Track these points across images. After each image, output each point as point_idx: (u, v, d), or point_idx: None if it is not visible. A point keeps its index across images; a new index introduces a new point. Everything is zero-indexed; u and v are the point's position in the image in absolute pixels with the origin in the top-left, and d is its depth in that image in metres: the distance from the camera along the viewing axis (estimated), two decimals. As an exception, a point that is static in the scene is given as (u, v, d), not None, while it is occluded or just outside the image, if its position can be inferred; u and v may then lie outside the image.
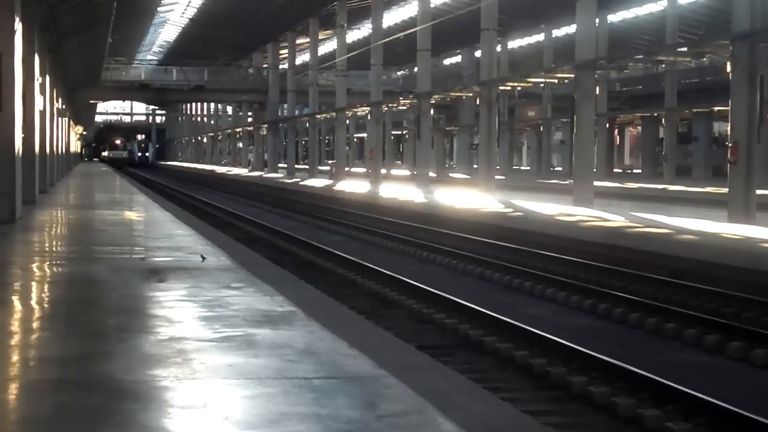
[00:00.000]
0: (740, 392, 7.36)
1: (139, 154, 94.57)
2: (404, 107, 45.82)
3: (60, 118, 37.31)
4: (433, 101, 35.60)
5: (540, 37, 50.95)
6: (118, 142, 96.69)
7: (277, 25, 50.20)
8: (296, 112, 53.86)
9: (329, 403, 4.27)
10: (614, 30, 46.12)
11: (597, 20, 27.97)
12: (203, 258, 10.00)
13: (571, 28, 35.22)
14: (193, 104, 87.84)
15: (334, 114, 43.92)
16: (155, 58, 75.73)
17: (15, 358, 5.39)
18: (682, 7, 41.88)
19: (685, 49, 28.10)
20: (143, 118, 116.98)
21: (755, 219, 17.58)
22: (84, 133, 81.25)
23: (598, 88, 26.74)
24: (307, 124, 50.39)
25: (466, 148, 51.65)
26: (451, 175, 50.87)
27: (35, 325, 6.57)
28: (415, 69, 37.75)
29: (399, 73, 60.79)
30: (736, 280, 11.62)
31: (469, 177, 43.70)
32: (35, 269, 9.54)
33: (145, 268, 9.20)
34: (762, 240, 13.57)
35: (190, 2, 53.11)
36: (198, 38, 61.99)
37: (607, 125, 47.49)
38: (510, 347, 8.45)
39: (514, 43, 53.41)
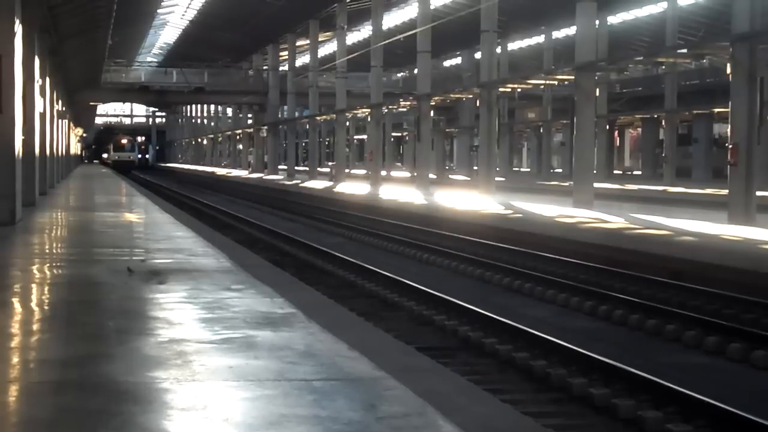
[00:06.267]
0: (740, 394, 7.36)
1: (139, 156, 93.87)
2: (404, 109, 45.84)
3: (60, 120, 37.31)
4: (433, 103, 35.60)
5: (540, 38, 50.97)
6: (124, 141, 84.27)
7: (277, 27, 50.22)
8: (296, 114, 53.88)
9: (329, 404, 4.27)
10: (614, 32, 46.15)
11: (597, 22, 27.99)
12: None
13: (571, 30, 35.23)
14: (193, 106, 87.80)
15: (334, 116, 43.94)
16: (155, 60, 75.77)
17: (15, 360, 5.38)
18: (682, 8, 41.89)
19: (685, 50, 28.10)
20: (143, 120, 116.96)
21: (755, 220, 17.59)
22: (84, 135, 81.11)
23: (598, 89, 26.75)
24: (307, 126, 50.40)
25: (466, 149, 51.68)
26: (451, 176, 50.92)
27: (35, 327, 6.57)
28: (415, 71, 37.77)
29: (399, 75, 60.82)
30: (736, 281, 11.62)
31: (469, 179, 43.72)
32: (35, 271, 9.54)
33: (146, 269, 9.19)
34: (762, 241, 13.57)
35: (190, 4, 53.14)
36: (198, 40, 62.03)
37: (607, 127, 47.50)
38: (510, 349, 8.45)
39: (514, 45, 53.43)
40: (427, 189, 31.78)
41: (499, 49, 37.15)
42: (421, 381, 4.81)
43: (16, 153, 15.25)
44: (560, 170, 56.46)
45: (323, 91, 47.43)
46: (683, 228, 15.79)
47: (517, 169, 68.81)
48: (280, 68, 56.06)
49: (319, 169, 54.17)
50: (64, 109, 40.60)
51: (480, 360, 8.43)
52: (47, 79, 27.00)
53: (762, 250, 12.76)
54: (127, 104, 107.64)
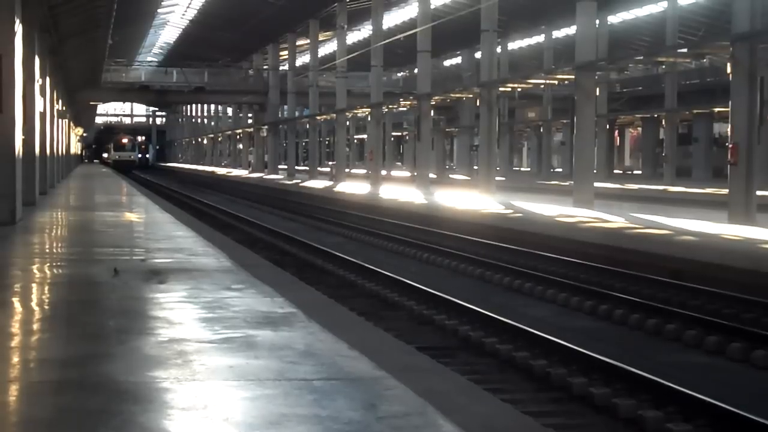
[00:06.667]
0: (740, 393, 7.36)
1: (140, 155, 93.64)
2: (404, 108, 45.84)
3: (60, 120, 37.30)
4: (434, 102, 35.60)
5: (540, 38, 50.97)
6: (125, 141, 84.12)
7: (278, 26, 50.22)
8: (296, 114, 53.88)
9: (330, 404, 4.27)
10: (614, 31, 46.15)
11: (597, 21, 27.99)
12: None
13: (571, 30, 35.24)
14: (194, 106, 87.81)
15: (335, 115, 43.94)
16: (155, 59, 75.74)
17: (15, 359, 5.38)
18: (682, 8, 41.90)
19: (685, 50, 28.10)
20: (143, 119, 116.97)
21: (755, 220, 17.58)
22: (84, 134, 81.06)
23: (598, 89, 26.74)
24: (307, 126, 50.41)
25: (467, 149, 51.66)
26: (451, 176, 50.93)
27: (35, 326, 6.56)
28: (416, 70, 37.76)
29: (399, 75, 60.82)
30: (736, 281, 11.62)
31: (469, 178, 43.71)
32: (35, 271, 9.54)
33: (146, 269, 9.19)
34: (762, 241, 13.57)
35: (190, 4, 53.13)
36: (198, 40, 62.01)
37: (608, 126, 47.50)
38: (510, 348, 8.45)
39: (514, 45, 53.42)
40: (427, 188, 31.78)
41: (499, 49, 37.15)
42: (422, 380, 4.81)
43: (16, 153, 15.25)
44: (560, 170, 56.46)
45: (323, 90, 47.42)
46: (683, 227, 15.79)
47: (517, 168, 68.80)
48: (280, 68, 56.06)
49: (319, 168, 54.18)
50: (64, 108, 40.59)
51: (480, 359, 8.43)
52: (47, 79, 26.99)
53: (762, 249, 12.76)
54: (127, 104, 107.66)
